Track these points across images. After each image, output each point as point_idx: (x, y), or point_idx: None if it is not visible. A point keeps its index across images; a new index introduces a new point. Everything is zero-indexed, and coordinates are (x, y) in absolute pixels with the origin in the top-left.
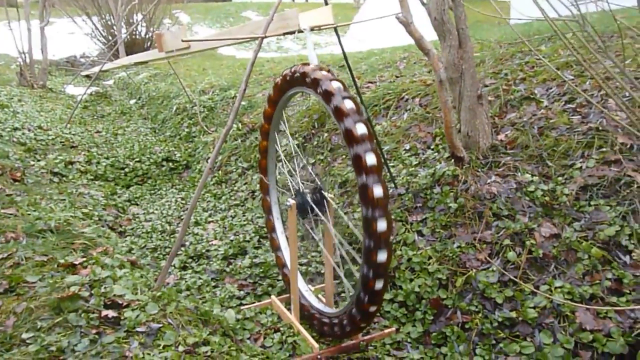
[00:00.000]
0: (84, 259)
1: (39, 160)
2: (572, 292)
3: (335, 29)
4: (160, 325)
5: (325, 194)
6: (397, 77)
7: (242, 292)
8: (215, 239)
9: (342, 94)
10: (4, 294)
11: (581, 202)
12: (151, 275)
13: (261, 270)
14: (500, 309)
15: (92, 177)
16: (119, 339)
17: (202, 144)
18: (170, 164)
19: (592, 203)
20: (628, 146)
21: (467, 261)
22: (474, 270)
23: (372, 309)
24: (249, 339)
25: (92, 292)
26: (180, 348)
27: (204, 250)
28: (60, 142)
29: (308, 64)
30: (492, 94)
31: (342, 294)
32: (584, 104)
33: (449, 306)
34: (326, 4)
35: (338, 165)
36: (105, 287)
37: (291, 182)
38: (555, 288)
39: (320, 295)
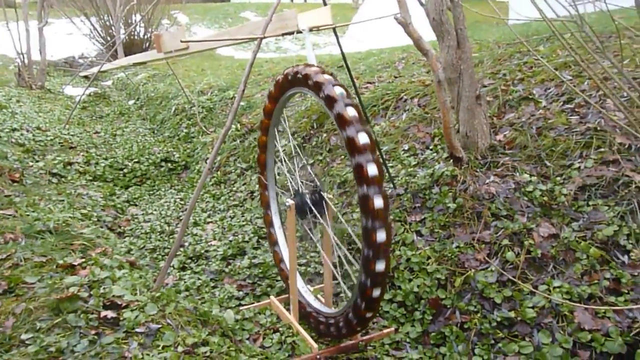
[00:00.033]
0: (83, 259)
1: (37, 161)
2: (571, 291)
3: (334, 30)
4: (159, 325)
5: (324, 194)
6: (395, 77)
7: (241, 293)
8: (214, 239)
9: (345, 101)
10: (3, 295)
11: (579, 202)
12: (150, 275)
13: (260, 270)
14: (499, 308)
15: (90, 178)
16: (118, 340)
17: (200, 144)
18: (169, 164)
19: (590, 203)
20: (626, 146)
21: (465, 261)
22: (473, 270)
23: (369, 315)
24: (248, 339)
25: (91, 292)
26: (180, 348)
27: (202, 251)
28: (59, 142)
29: (311, 66)
30: (490, 95)
31: (341, 294)
32: (582, 104)
33: (448, 306)
34: (325, 4)
35: (337, 165)
36: (104, 288)
37: (290, 182)
38: (554, 288)
39: (319, 296)
